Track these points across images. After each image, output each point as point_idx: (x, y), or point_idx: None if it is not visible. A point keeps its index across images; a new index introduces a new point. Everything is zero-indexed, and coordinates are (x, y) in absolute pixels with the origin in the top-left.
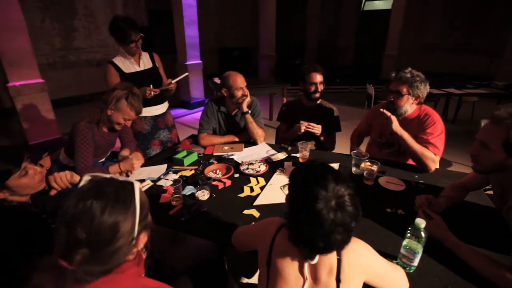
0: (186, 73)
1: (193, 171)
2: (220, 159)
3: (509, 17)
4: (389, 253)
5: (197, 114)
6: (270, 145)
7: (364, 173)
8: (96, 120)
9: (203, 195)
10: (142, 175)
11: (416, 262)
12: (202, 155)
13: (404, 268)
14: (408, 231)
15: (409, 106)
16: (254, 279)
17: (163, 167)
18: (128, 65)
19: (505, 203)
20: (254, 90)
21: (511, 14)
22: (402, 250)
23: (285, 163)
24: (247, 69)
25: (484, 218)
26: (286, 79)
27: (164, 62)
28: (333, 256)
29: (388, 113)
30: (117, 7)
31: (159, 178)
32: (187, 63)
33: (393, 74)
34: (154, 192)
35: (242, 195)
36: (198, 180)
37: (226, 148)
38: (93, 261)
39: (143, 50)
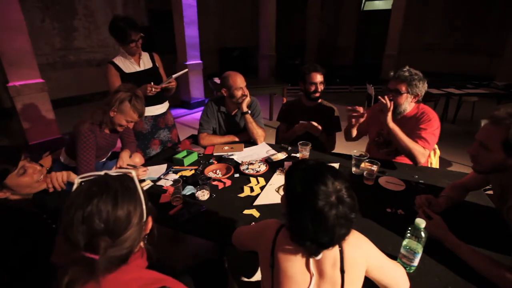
0: (186, 69)
1: (193, 171)
2: (220, 159)
3: (509, 17)
4: (389, 253)
5: (197, 114)
6: (270, 145)
7: (364, 173)
8: (98, 122)
9: (203, 195)
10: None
11: (416, 262)
12: (202, 155)
13: (404, 268)
14: (408, 231)
15: (408, 105)
16: (254, 279)
17: (163, 167)
18: (128, 65)
19: (505, 203)
20: (254, 90)
21: (511, 14)
22: (402, 250)
23: (285, 163)
24: (247, 69)
25: (484, 218)
26: (286, 79)
27: (164, 62)
28: (335, 248)
29: (387, 101)
30: (117, 7)
31: (159, 178)
32: (187, 63)
33: (392, 73)
34: (154, 192)
35: (242, 195)
36: (198, 180)
37: (226, 148)
38: (114, 247)
39: (143, 50)
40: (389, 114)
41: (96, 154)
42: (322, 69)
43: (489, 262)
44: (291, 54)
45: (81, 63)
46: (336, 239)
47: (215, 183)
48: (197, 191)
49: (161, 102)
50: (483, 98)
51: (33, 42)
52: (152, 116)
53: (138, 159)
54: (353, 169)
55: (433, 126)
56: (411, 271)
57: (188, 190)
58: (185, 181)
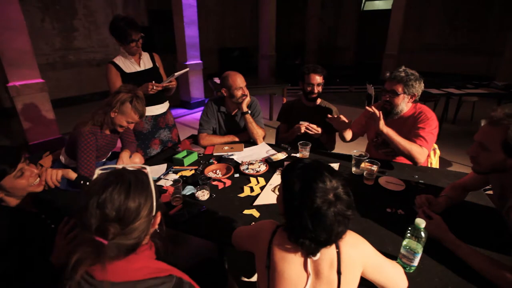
0: (187, 68)
1: (193, 171)
2: (220, 159)
3: (509, 17)
4: (389, 253)
5: (197, 114)
6: (270, 145)
7: (364, 173)
8: (99, 122)
9: (203, 195)
10: None
11: (416, 262)
12: (202, 155)
13: (404, 268)
14: (408, 231)
15: (405, 105)
16: (254, 279)
17: (163, 167)
18: (128, 65)
19: (505, 203)
20: (254, 90)
21: (511, 14)
22: (402, 250)
23: (285, 163)
24: (247, 69)
25: (484, 218)
26: (286, 79)
27: (164, 62)
28: (332, 249)
29: (374, 110)
30: (117, 7)
31: (159, 178)
32: (187, 63)
33: (388, 74)
34: None
35: (242, 195)
36: (198, 180)
37: (226, 148)
38: (122, 235)
39: (143, 51)
40: (381, 122)
41: (96, 154)
42: (322, 71)
43: (489, 262)
44: (291, 54)
45: (81, 63)
46: (334, 236)
47: (215, 183)
48: (197, 191)
49: (161, 102)
50: (483, 98)
51: (33, 42)
52: (152, 116)
53: (138, 159)
54: (353, 169)
55: (431, 125)
56: (411, 271)
57: (188, 190)
58: (185, 181)
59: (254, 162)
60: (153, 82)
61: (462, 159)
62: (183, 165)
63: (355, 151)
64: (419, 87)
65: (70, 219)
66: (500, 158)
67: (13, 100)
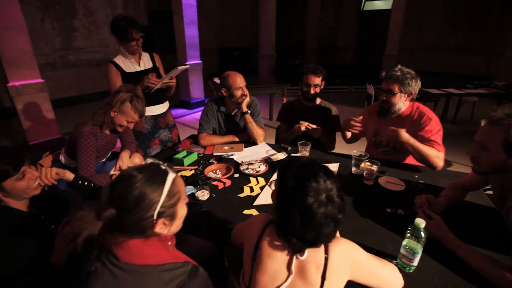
0: (187, 66)
1: (193, 171)
2: (220, 159)
3: (509, 17)
4: (389, 253)
5: (197, 114)
6: (270, 145)
7: (364, 173)
8: (99, 122)
9: (203, 195)
10: None
11: (416, 262)
12: (202, 155)
13: (404, 268)
14: (408, 231)
15: (402, 104)
16: None
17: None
18: (128, 65)
19: (505, 203)
20: (254, 90)
21: (511, 14)
22: (402, 250)
23: None
24: (247, 69)
25: (484, 218)
26: (286, 79)
27: (164, 62)
28: (321, 253)
29: (392, 127)
30: (117, 7)
31: None
32: (187, 63)
33: (383, 73)
34: None
35: (242, 195)
36: (198, 180)
37: (226, 148)
38: (116, 222)
39: (143, 51)
40: (401, 132)
41: (96, 154)
42: (322, 72)
43: (489, 262)
44: (291, 54)
45: (81, 63)
46: (321, 237)
47: (215, 183)
48: (197, 191)
49: (161, 102)
50: (483, 98)
51: (33, 42)
52: (152, 116)
53: (137, 159)
54: (353, 169)
55: (436, 127)
56: (411, 271)
57: (188, 190)
58: (185, 181)
59: (254, 162)
60: (155, 74)
61: (462, 159)
62: (183, 165)
63: (355, 151)
64: (415, 86)
65: (70, 219)
66: (501, 158)
67: (13, 100)
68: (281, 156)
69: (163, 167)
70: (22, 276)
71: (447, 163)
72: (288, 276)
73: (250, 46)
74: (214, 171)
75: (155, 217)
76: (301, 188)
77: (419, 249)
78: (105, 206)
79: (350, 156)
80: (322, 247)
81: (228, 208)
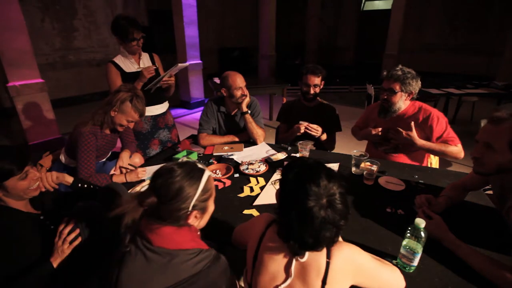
0: (186, 64)
1: None
2: (220, 159)
3: (509, 17)
4: (389, 253)
5: (197, 114)
6: (270, 145)
7: (364, 173)
8: (100, 122)
9: None
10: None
11: (416, 262)
12: (202, 155)
13: (404, 268)
14: (408, 231)
15: (403, 103)
16: None
17: None
18: (128, 65)
19: (505, 203)
20: (254, 90)
21: (511, 14)
22: (402, 250)
23: (285, 163)
24: (247, 69)
25: (484, 218)
26: (286, 79)
27: (164, 62)
28: (322, 258)
29: (401, 130)
30: (117, 7)
31: None
32: (187, 63)
33: (384, 73)
34: None
35: (242, 195)
36: None
37: (226, 148)
38: (155, 209)
39: (143, 51)
40: (416, 138)
41: (96, 154)
42: (321, 72)
43: (489, 262)
44: (291, 54)
45: (81, 63)
46: (320, 242)
47: (215, 183)
48: None
49: (160, 102)
50: (483, 98)
51: (33, 42)
52: (151, 116)
53: (138, 159)
54: (353, 169)
55: (445, 125)
56: (411, 271)
57: None
58: None
59: (254, 162)
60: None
61: (462, 159)
62: None
63: (355, 151)
64: (416, 85)
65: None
66: (507, 158)
67: (13, 100)
68: (281, 156)
69: (200, 166)
70: (22, 276)
71: (447, 163)
72: (286, 278)
73: (250, 46)
74: (214, 171)
75: (190, 208)
76: (302, 190)
77: (419, 249)
78: (148, 193)
79: (350, 156)
80: (324, 251)
81: (228, 208)
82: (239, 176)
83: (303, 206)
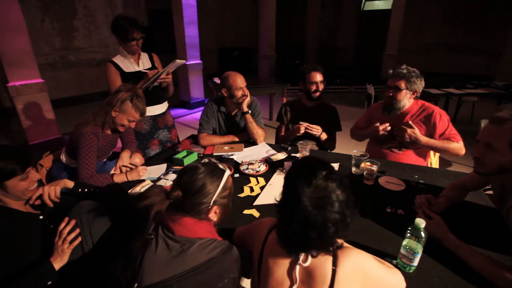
0: (184, 61)
1: None
2: (220, 159)
3: (509, 17)
4: (389, 253)
5: (197, 114)
6: (270, 145)
7: (364, 173)
8: (101, 122)
9: None
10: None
11: (416, 262)
12: (202, 155)
13: (404, 268)
14: (408, 231)
15: (407, 101)
16: None
17: (163, 167)
18: (127, 65)
19: (505, 203)
20: (254, 90)
21: (511, 14)
22: (402, 250)
23: (285, 163)
24: (247, 69)
25: (484, 218)
26: (286, 79)
27: (164, 62)
28: (328, 264)
29: (410, 130)
30: (117, 7)
31: (159, 178)
32: (187, 63)
33: (390, 71)
34: None
35: (242, 195)
36: None
37: (226, 148)
38: (182, 201)
39: (143, 51)
40: (419, 135)
41: (97, 154)
42: (322, 69)
43: (489, 262)
44: (291, 54)
45: (81, 63)
46: (309, 243)
47: None
48: None
49: (160, 102)
50: (483, 98)
51: (33, 42)
52: (151, 116)
53: (138, 159)
54: (353, 169)
55: (447, 122)
56: (411, 271)
57: None
58: None
59: (254, 162)
60: (157, 71)
61: (462, 159)
62: (183, 165)
63: (355, 151)
64: (420, 84)
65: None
66: (508, 158)
67: (13, 100)
68: (281, 156)
69: (221, 166)
70: (22, 276)
71: (447, 163)
72: (292, 285)
73: (250, 46)
74: None
75: (211, 203)
76: (292, 187)
77: (419, 249)
78: (174, 188)
79: (350, 156)
80: (330, 258)
81: None
82: (239, 176)
83: (290, 202)
